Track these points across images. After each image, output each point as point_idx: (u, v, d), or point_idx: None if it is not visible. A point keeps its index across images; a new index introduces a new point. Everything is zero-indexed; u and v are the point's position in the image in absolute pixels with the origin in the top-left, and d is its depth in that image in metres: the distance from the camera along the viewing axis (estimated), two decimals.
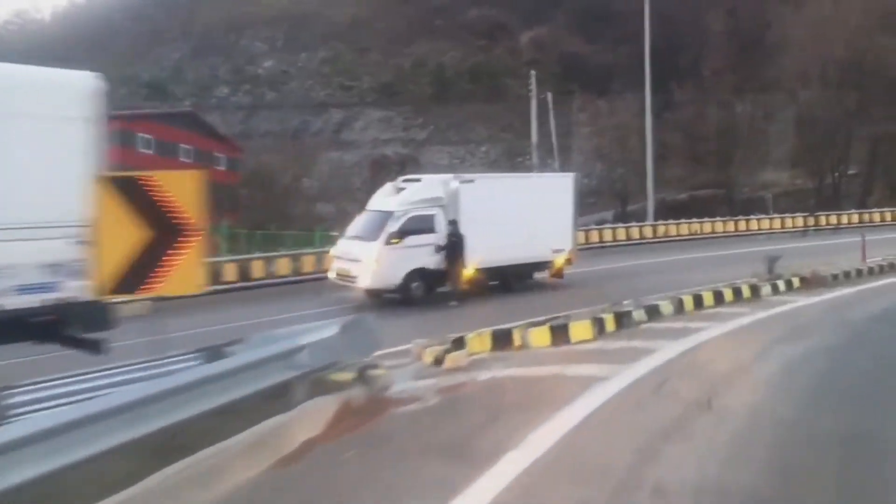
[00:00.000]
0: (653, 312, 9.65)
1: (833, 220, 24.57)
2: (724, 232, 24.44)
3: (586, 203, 41.27)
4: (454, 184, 12.84)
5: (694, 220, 24.60)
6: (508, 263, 13.33)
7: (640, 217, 28.41)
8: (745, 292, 11.25)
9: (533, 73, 37.49)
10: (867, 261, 14.26)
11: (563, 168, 31.68)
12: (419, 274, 12.40)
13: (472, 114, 53.97)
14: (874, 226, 24.83)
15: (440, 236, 12.48)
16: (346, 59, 61.87)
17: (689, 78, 45.35)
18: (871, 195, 34.73)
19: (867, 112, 34.10)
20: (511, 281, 13.65)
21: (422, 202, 12.72)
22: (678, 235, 23.70)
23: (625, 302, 10.00)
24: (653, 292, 10.86)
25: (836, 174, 36.25)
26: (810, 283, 12.07)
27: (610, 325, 8.91)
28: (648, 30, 26.33)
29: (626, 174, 42.82)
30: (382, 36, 61.59)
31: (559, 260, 13.98)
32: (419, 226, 12.46)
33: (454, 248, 12.33)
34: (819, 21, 33.82)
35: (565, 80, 54.78)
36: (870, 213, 25.45)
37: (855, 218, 25.02)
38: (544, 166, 44.58)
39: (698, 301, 10.48)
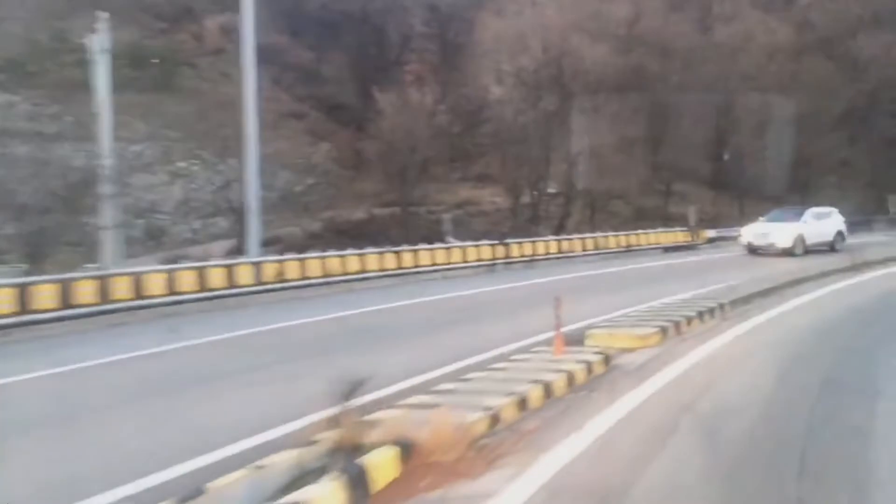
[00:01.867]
0: None
1: (528, 249, 20.37)
2: (378, 271, 16.84)
3: (266, 220, 34.64)
4: None
5: (332, 253, 16.64)
6: None
7: (289, 245, 22.07)
8: None
9: None
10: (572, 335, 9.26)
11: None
12: None
13: (129, 106, 43.30)
14: (573, 257, 21.43)
15: None
16: None
17: (392, 83, 41.62)
18: (571, 217, 32.92)
19: (566, 123, 32.44)
20: None
21: None
22: (288, 281, 15.01)
23: None
24: None
25: (536, 192, 34.15)
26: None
27: None
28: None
29: (319, 185, 37.52)
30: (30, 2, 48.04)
31: None
32: None
33: None
34: (517, 23, 31.40)
35: (262, 74, 47.66)
36: (569, 240, 21.92)
37: (553, 247, 21.22)
38: (214, 173, 36.67)
39: None
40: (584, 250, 22.17)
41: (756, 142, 33.38)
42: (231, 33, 56.37)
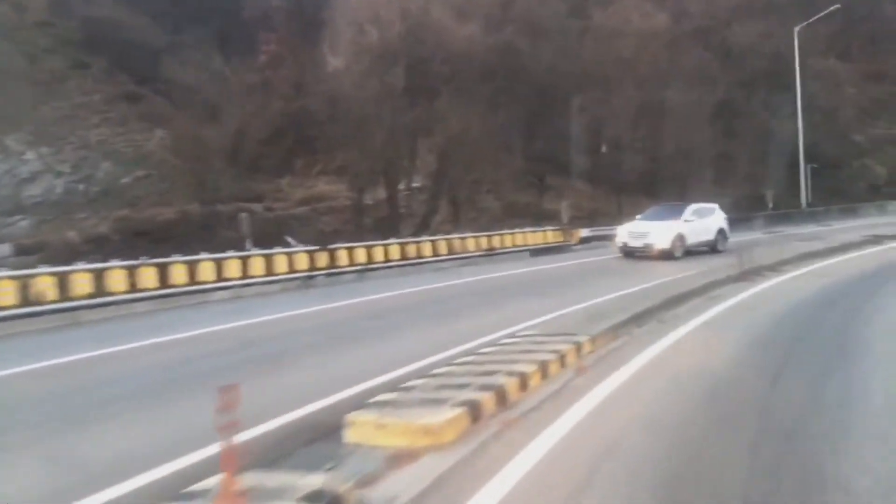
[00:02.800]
0: None
1: (361, 256, 16.43)
2: (128, 292, 12.28)
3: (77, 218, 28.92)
4: None
5: (80, 265, 11.97)
6: None
7: (54, 253, 17.05)
8: None
9: None
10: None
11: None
12: None
13: None
14: (421, 263, 17.78)
15: None
16: None
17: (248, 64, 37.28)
18: (437, 214, 29.41)
19: (431, 108, 28.93)
20: None
21: None
22: None
23: None
24: None
25: (400, 187, 30.49)
26: None
27: None
28: None
29: (150, 178, 32.65)
30: None
31: None
32: None
33: None
34: None
35: (91, 52, 41.05)
36: (417, 243, 18.21)
37: (395, 252, 17.44)
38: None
39: None
40: (435, 255, 18.55)
41: (633, 133, 31.24)
42: (64, 6, 49.05)
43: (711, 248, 19.99)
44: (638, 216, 20.51)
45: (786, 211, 32.16)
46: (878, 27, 53.08)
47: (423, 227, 28.36)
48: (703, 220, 19.79)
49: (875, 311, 9.86)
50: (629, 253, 19.28)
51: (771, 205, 32.37)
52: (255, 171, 33.78)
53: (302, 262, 14.92)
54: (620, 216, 25.59)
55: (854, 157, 40.48)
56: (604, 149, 34.72)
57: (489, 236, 20.27)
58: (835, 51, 45.24)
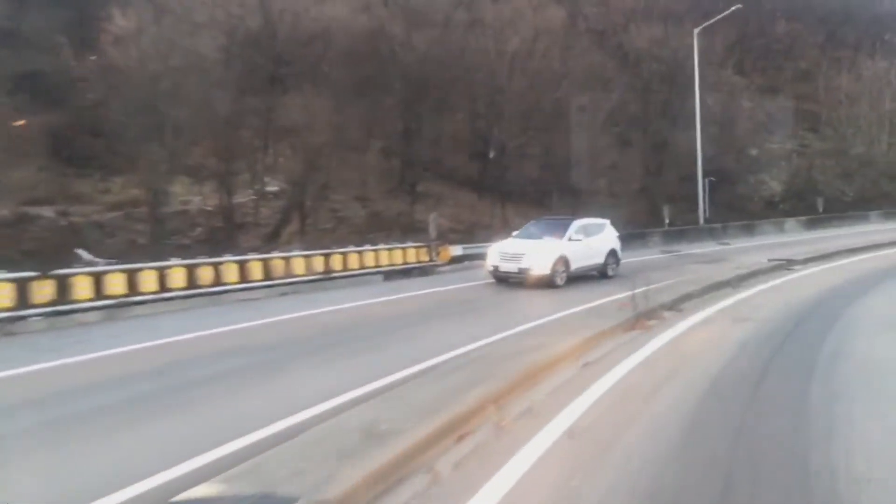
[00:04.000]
0: None
1: (117, 284, 11.56)
2: None
3: None
4: None
5: None
6: None
7: None
8: None
9: None
10: None
11: None
12: None
13: None
14: (234, 290, 13.19)
15: None
16: None
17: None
18: (290, 223, 24.76)
19: (288, 100, 24.39)
20: None
21: None
22: None
23: None
24: None
25: (253, 190, 25.74)
26: None
27: None
28: None
29: None
30: None
31: None
32: None
33: None
34: None
35: None
36: (214, 264, 13.51)
37: (205, 274, 12.74)
38: None
39: None
40: (245, 281, 13.90)
41: (524, 137, 27.76)
42: None
43: (601, 273, 16.48)
44: (514, 233, 16.73)
45: (683, 227, 29.67)
46: (771, 43, 53.03)
47: (271, 240, 23.63)
48: (592, 239, 16.21)
49: (840, 399, 6.19)
50: (501, 279, 15.42)
51: (668, 220, 29.82)
52: (83, 168, 27.88)
53: (5, 295, 9.92)
54: (505, 229, 21.89)
55: (750, 171, 39.01)
56: (491, 154, 31.13)
57: (327, 255, 15.81)
58: (731, 64, 44.01)
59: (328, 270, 15.53)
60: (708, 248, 25.96)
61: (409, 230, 23.66)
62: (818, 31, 55.89)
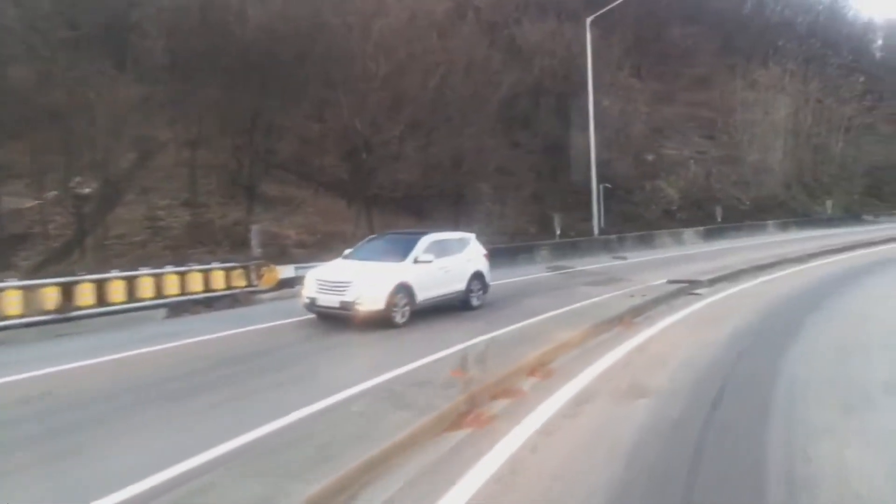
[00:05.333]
0: None
1: None
2: None
3: None
4: None
5: None
6: None
7: None
8: None
9: None
10: None
11: None
12: None
13: None
14: None
15: None
16: None
17: None
18: (91, 234, 19.68)
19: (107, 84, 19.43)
20: None
21: None
22: None
23: None
24: None
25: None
26: None
27: None
28: None
29: None
30: None
31: None
32: None
33: None
34: None
35: None
36: None
37: None
38: None
39: None
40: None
41: (393, 131, 23.70)
42: None
43: (463, 303, 12.64)
44: (346, 252, 12.66)
45: (576, 239, 26.60)
46: (668, 48, 51.77)
47: (61, 256, 18.50)
48: (449, 259, 12.36)
49: None
50: (322, 314, 11.30)
51: (559, 231, 26.64)
52: None
53: None
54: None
55: (647, 178, 36.75)
56: (365, 154, 26.96)
57: (70, 284, 11.14)
58: (627, 66, 41.88)
59: (66, 307, 10.85)
60: (602, 262, 22.85)
61: (244, 244, 19.15)
62: (713, 38, 55.31)
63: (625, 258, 24.14)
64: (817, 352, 8.61)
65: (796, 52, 46.61)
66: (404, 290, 11.14)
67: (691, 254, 25.39)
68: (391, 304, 10.83)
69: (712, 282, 15.76)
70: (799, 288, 14.85)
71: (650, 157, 37.97)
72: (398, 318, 10.97)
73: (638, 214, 34.10)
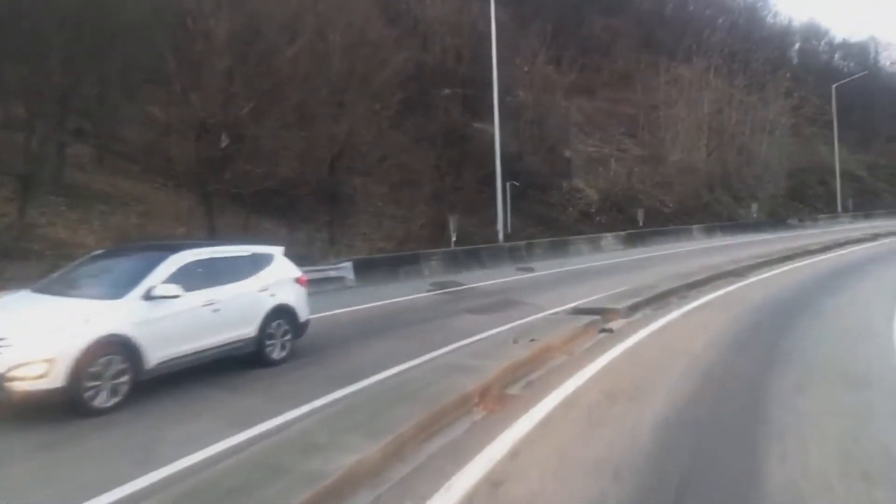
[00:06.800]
0: None
1: None
2: None
3: None
4: None
5: None
6: None
7: None
8: None
9: None
10: None
11: None
12: None
13: None
14: None
15: None
16: None
17: None
18: None
19: None
20: None
21: None
22: None
23: None
24: None
25: None
26: None
27: None
28: None
29: None
30: None
31: None
32: None
33: None
34: None
35: None
36: None
37: None
38: None
39: None
40: None
41: (244, 109, 18.74)
42: None
43: (253, 357, 8.03)
44: (43, 280, 7.90)
45: (476, 246, 22.37)
46: (589, 41, 48.61)
47: None
48: (222, 290, 7.73)
49: None
50: None
51: (454, 237, 22.36)
52: None
53: None
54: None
55: (564, 176, 33.02)
56: (224, 140, 21.84)
57: None
58: (544, 54, 38.20)
59: None
60: (503, 275, 18.69)
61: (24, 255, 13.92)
62: (635, 32, 52.67)
63: (532, 270, 20.06)
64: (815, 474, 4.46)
65: (721, 46, 44.15)
66: (117, 347, 6.46)
67: (610, 264, 21.62)
68: (82, 376, 6.12)
69: (632, 309, 11.69)
70: (749, 320, 10.94)
71: (567, 154, 34.29)
72: (101, 399, 6.29)
73: (553, 217, 30.27)
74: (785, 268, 18.65)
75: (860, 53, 78.47)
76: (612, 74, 48.95)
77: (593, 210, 32.71)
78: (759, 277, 16.72)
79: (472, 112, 28.19)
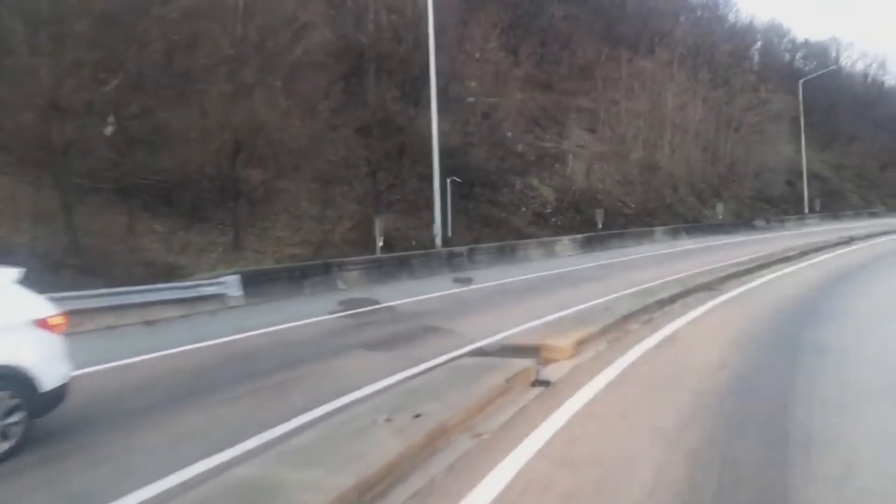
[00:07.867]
0: None
1: None
2: None
3: None
4: None
5: None
6: None
7: None
8: None
9: None
10: None
11: None
12: None
13: None
14: None
15: None
16: None
17: None
18: None
19: None
20: None
21: None
22: None
23: None
24: None
25: None
26: None
27: None
28: None
29: None
30: None
31: None
32: None
33: None
34: None
35: None
36: None
37: None
38: None
39: None
40: None
41: (105, 87, 15.23)
42: None
43: None
44: None
45: (408, 253, 19.20)
46: (548, 31, 45.83)
47: None
48: None
49: None
50: None
51: (381, 242, 19.10)
52: None
53: None
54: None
55: (516, 173, 30.02)
56: (110, 126, 18.23)
57: None
58: (496, 39, 35.26)
59: None
60: (435, 289, 15.55)
61: None
62: (596, 23, 50.06)
63: (469, 282, 16.94)
64: None
65: (684, 39, 41.75)
66: None
67: (562, 272, 18.67)
68: None
69: (581, 343, 8.61)
70: (738, 364, 7.93)
71: (520, 149, 31.33)
72: None
73: (503, 219, 27.23)
74: (764, 279, 15.85)
75: (822, 53, 77.43)
76: (572, 67, 46.18)
77: (548, 211, 29.80)
78: (738, 292, 13.85)
79: (411, 100, 24.99)
